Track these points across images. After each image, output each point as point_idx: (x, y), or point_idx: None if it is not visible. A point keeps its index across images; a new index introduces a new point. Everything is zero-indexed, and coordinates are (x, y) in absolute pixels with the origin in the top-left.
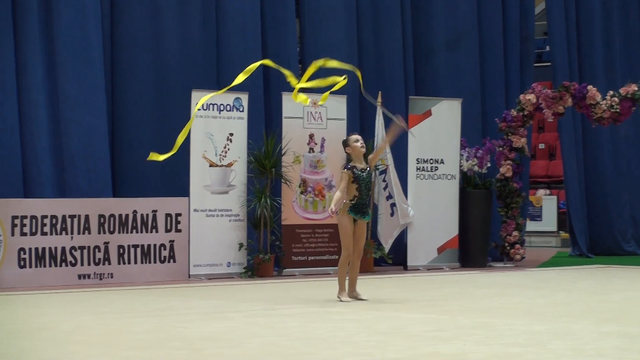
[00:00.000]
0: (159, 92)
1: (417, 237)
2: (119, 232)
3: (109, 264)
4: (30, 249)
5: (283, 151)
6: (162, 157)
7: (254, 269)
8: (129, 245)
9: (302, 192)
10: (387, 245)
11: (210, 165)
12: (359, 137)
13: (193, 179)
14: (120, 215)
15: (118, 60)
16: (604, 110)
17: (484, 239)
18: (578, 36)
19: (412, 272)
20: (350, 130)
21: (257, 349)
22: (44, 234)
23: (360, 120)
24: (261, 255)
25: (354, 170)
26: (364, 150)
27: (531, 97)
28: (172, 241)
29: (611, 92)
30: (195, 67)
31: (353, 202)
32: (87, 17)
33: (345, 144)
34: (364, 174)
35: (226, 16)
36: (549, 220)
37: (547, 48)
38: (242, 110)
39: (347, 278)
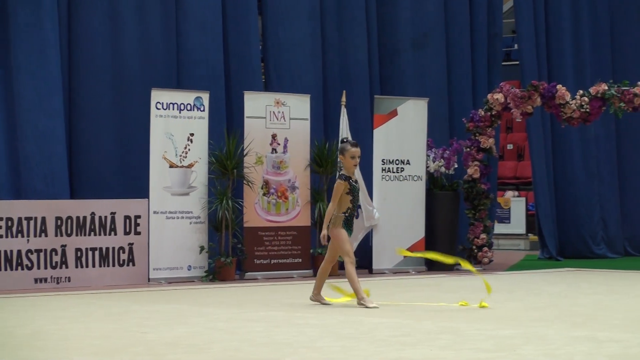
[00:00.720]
0: (118, 92)
1: (382, 240)
2: (77, 235)
3: (67, 267)
4: None
5: (245, 152)
6: (409, 254)
7: (216, 273)
8: (87, 248)
9: (264, 194)
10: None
11: (171, 166)
12: (358, 151)
13: (153, 180)
14: (77, 218)
15: (75, 60)
16: (573, 110)
17: (451, 241)
18: (547, 34)
19: (378, 275)
20: (314, 131)
21: (220, 355)
22: None
23: (324, 120)
24: (223, 259)
25: (350, 181)
26: (356, 168)
27: (499, 96)
28: (131, 244)
29: (581, 92)
30: (155, 65)
31: (347, 214)
32: (43, 16)
33: (342, 151)
34: (357, 185)
35: (186, 13)
36: (517, 222)
37: (515, 46)
38: (203, 110)
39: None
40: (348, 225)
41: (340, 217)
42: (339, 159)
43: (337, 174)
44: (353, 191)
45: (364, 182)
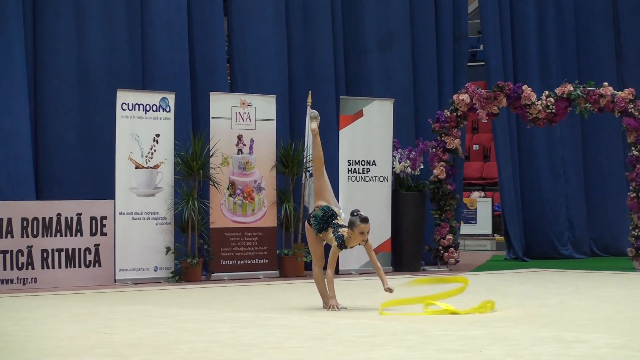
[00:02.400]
0: (83, 93)
1: None
2: (43, 236)
3: (33, 268)
4: None
5: (211, 152)
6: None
7: (182, 274)
8: (53, 249)
9: (230, 195)
10: None
11: (136, 167)
12: (367, 227)
13: (119, 181)
14: (44, 219)
15: (40, 60)
16: (539, 111)
17: (417, 242)
18: (512, 35)
19: (344, 276)
20: (279, 132)
21: (186, 356)
22: None
23: (290, 121)
24: (189, 260)
25: (344, 249)
26: (363, 244)
27: (465, 97)
28: (97, 245)
29: (546, 92)
30: (121, 66)
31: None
32: (7, 15)
33: (351, 225)
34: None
35: (151, 14)
36: (483, 223)
37: (481, 47)
38: (169, 111)
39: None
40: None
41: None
42: (347, 227)
43: (333, 231)
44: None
45: (330, 183)
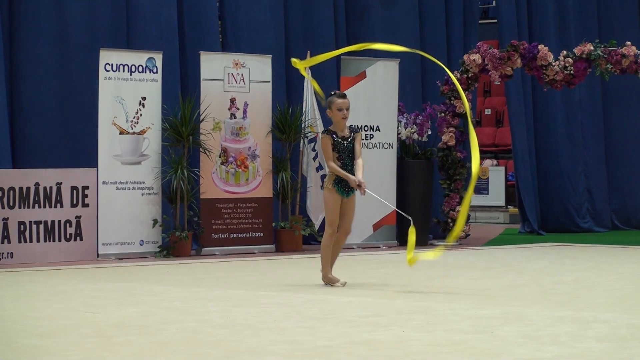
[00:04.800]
0: (63, 53)
1: None
2: (20, 207)
3: (9, 242)
4: None
5: (201, 117)
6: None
7: (170, 248)
8: (30, 222)
9: (222, 163)
10: (317, 221)
11: (121, 133)
12: (345, 102)
13: (101, 148)
14: (20, 189)
15: (16, 19)
16: (556, 72)
17: (424, 214)
18: None
19: (346, 251)
20: (275, 95)
21: (174, 337)
22: None
23: (286, 83)
24: (178, 233)
25: (333, 136)
26: (345, 121)
27: (476, 57)
28: (78, 217)
29: (564, 52)
30: (103, 23)
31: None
32: None
33: (329, 104)
34: (346, 142)
35: None
36: (496, 193)
37: (493, 3)
38: (156, 72)
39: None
40: (340, 185)
41: (331, 177)
42: (328, 115)
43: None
44: (339, 148)
45: None
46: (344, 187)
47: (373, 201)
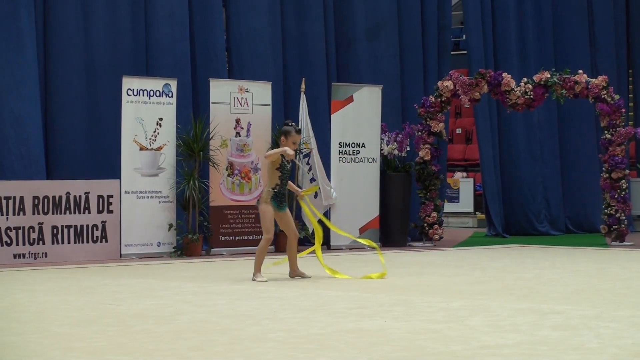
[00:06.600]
0: (90, 79)
1: (339, 218)
2: (53, 213)
3: (43, 243)
4: None
5: (211, 135)
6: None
7: (183, 249)
8: (62, 226)
9: (229, 175)
10: (310, 226)
11: (141, 149)
12: (299, 138)
13: (124, 162)
14: (54, 197)
15: (50, 48)
16: (518, 97)
17: (403, 219)
18: (493, 25)
19: (335, 251)
20: (275, 116)
21: (186, 326)
22: None
23: (284, 106)
24: (190, 235)
25: (283, 159)
26: (292, 154)
27: (448, 83)
28: (104, 222)
29: (525, 79)
30: (125, 54)
31: (275, 190)
32: (19, 6)
33: (286, 134)
34: (289, 165)
35: (155, 4)
36: (466, 201)
37: (464, 37)
38: (171, 96)
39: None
40: (277, 201)
41: (269, 193)
42: (280, 142)
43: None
44: (283, 168)
45: (323, 164)
46: (280, 203)
47: (360, 208)
